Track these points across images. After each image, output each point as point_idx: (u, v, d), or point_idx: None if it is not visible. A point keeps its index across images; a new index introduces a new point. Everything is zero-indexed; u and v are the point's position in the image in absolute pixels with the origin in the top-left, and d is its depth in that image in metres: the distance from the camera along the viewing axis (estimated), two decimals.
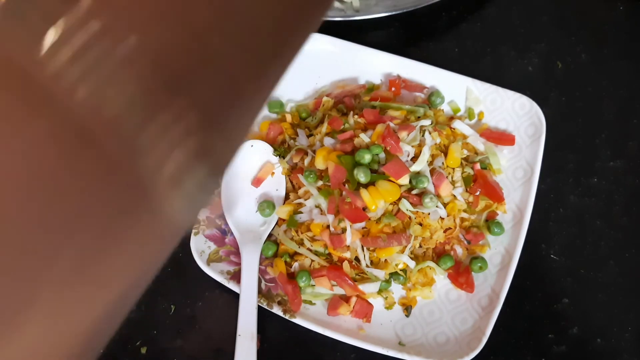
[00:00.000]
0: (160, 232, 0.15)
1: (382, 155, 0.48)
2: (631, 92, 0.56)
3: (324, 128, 0.51)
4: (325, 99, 0.53)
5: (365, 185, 0.47)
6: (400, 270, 0.48)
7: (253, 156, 0.52)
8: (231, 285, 0.47)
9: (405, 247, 0.47)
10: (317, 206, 0.49)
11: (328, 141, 0.50)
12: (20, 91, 0.12)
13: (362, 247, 0.47)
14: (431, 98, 0.53)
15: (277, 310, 0.47)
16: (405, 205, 0.47)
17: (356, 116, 0.51)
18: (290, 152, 0.51)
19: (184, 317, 0.49)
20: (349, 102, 0.54)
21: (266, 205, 0.50)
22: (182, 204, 0.14)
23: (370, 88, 0.55)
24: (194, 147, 0.14)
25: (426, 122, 0.50)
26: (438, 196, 0.48)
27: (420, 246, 0.49)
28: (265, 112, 0.54)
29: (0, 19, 0.11)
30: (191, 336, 0.49)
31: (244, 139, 0.16)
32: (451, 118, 0.53)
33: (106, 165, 0.13)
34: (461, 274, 0.48)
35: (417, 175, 0.48)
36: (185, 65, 0.13)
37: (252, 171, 0.52)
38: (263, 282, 0.49)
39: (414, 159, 0.49)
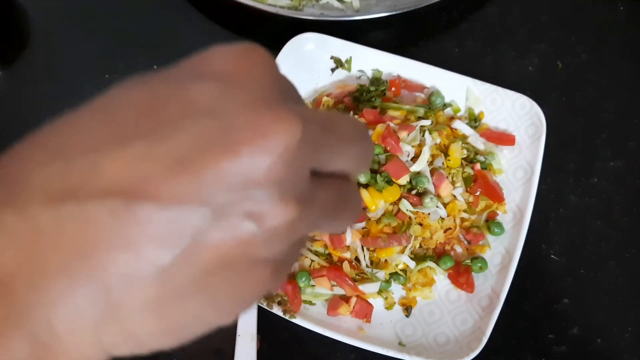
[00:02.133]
0: None
1: (382, 155, 0.48)
2: (631, 92, 0.56)
3: None
4: (325, 99, 0.53)
5: (365, 185, 0.47)
6: (400, 270, 0.48)
7: None
8: None
9: (405, 247, 0.47)
10: None
11: None
12: None
13: (362, 247, 0.47)
14: (431, 98, 0.53)
15: (277, 310, 0.46)
16: (405, 206, 0.47)
17: (356, 116, 0.51)
18: None
19: None
20: (348, 102, 0.53)
21: None
22: None
23: (377, 78, 0.54)
24: None
25: (426, 122, 0.50)
26: (438, 196, 0.48)
27: (420, 246, 0.49)
28: None
29: None
30: None
31: None
32: (451, 118, 0.53)
33: None
34: (461, 274, 0.48)
35: (417, 175, 0.48)
36: None
37: None
38: None
39: (414, 159, 0.49)
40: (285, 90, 0.18)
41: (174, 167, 0.15)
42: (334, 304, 0.47)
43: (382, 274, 0.47)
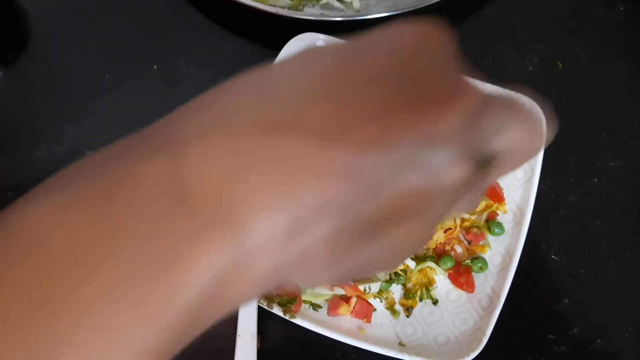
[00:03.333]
0: None
1: None
2: (631, 92, 0.56)
3: None
4: None
5: None
6: (401, 270, 0.48)
7: None
8: None
9: None
10: None
11: None
12: None
13: None
14: None
15: (277, 310, 0.46)
16: None
17: None
18: None
19: None
20: None
21: None
22: None
23: None
24: None
25: None
26: None
27: None
28: None
29: None
30: None
31: None
32: None
33: None
34: (461, 274, 0.48)
35: None
36: None
37: None
38: None
39: None
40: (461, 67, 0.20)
41: (369, 115, 0.17)
42: (334, 304, 0.47)
43: (382, 274, 0.47)
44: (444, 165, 0.18)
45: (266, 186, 0.16)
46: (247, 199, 0.16)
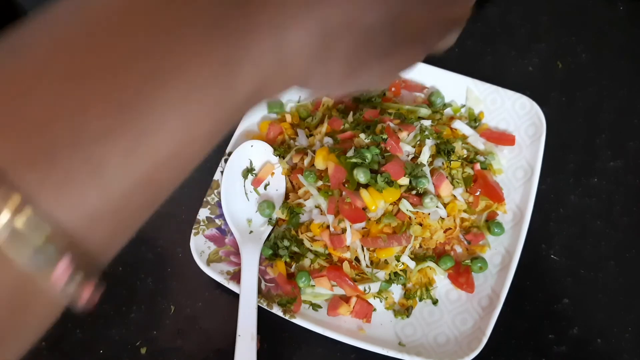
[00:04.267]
0: None
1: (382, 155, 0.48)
2: (631, 92, 0.56)
3: (324, 128, 0.51)
4: (325, 99, 0.53)
5: (365, 186, 0.47)
6: (401, 270, 0.48)
7: (253, 156, 0.52)
8: (231, 286, 0.47)
9: (406, 247, 0.47)
10: (317, 206, 0.49)
11: (328, 141, 0.50)
12: None
13: (362, 247, 0.47)
14: (431, 98, 0.53)
15: (277, 310, 0.46)
16: (405, 206, 0.47)
17: (357, 114, 0.51)
18: (290, 152, 0.51)
19: (184, 317, 0.49)
20: (349, 102, 0.53)
21: (266, 205, 0.50)
22: None
23: None
24: None
25: (426, 122, 0.50)
26: (438, 196, 0.48)
27: (420, 246, 0.49)
28: (265, 112, 0.54)
29: None
30: (191, 336, 0.49)
31: None
32: (451, 118, 0.53)
33: None
34: (461, 274, 0.48)
35: (417, 175, 0.48)
36: None
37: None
38: (263, 282, 0.49)
39: (414, 159, 0.49)
40: None
41: None
42: (334, 304, 0.47)
43: (382, 274, 0.47)
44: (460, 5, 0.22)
45: (306, 3, 0.19)
46: (289, 11, 0.18)
